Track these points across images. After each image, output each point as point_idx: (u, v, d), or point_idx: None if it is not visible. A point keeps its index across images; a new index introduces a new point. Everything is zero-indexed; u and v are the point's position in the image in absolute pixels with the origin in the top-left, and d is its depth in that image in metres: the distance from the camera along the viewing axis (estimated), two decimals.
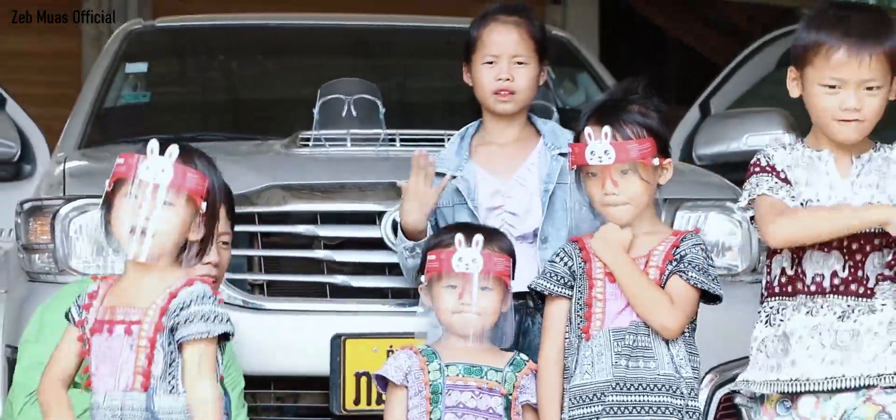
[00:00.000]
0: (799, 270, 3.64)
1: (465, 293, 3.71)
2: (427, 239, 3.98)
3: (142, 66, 6.08)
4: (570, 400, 3.73)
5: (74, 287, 4.02)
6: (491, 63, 4.20)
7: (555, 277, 3.77)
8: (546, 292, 3.79)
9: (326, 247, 4.48)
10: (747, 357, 4.51)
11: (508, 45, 4.20)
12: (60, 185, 4.73)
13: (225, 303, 4.25)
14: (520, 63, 4.20)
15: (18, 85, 11.06)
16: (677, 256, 3.71)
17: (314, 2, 10.31)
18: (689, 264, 3.71)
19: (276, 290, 4.50)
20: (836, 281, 3.62)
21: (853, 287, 3.61)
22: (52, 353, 3.48)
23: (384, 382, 3.78)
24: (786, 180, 3.64)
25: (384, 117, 4.94)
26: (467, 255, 3.69)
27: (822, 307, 3.61)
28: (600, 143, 3.67)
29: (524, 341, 4.05)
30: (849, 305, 3.61)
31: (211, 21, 6.39)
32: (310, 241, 4.49)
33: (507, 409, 3.71)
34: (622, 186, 3.71)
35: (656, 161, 3.73)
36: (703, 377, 4.49)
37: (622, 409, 3.66)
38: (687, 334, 3.74)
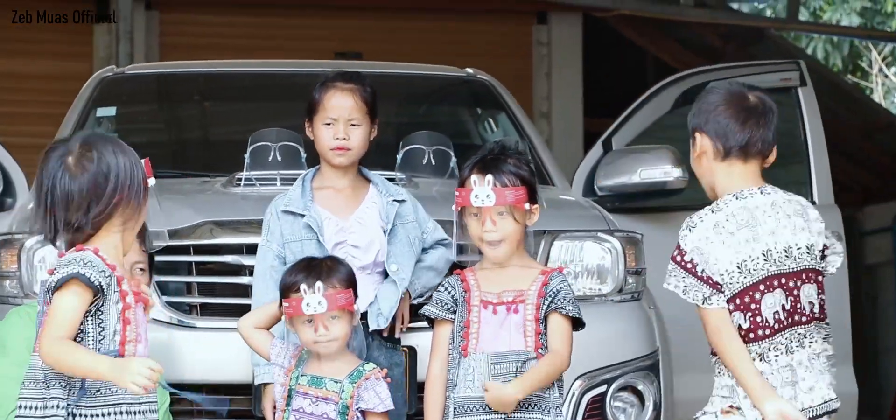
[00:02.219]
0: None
1: (318, 327, 4.37)
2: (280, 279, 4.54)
3: (111, 110, 6.64)
4: (454, 406, 4.41)
5: (23, 309, 4.73)
6: (329, 124, 4.85)
7: (441, 304, 4.49)
8: (434, 317, 4.49)
9: (251, 274, 5.00)
10: (613, 364, 5.24)
11: (345, 109, 4.85)
12: (28, 219, 5.26)
13: (164, 322, 5.01)
14: (354, 125, 4.85)
15: (33, 105, 11.43)
16: (550, 294, 4.41)
17: (302, 49, 10.84)
18: (564, 299, 4.42)
19: (208, 311, 5.10)
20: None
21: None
22: (62, 316, 3.79)
23: None
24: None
25: (306, 161, 5.55)
26: (313, 300, 4.33)
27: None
28: (483, 189, 4.39)
29: (368, 354, 4.72)
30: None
31: (172, 69, 7.02)
32: (237, 269, 5.11)
33: (345, 414, 4.36)
34: (499, 225, 4.42)
35: (528, 206, 4.45)
36: (574, 382, 5.13)
37: None
38: None
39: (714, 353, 4.29)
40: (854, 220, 12.97)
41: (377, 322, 4.79)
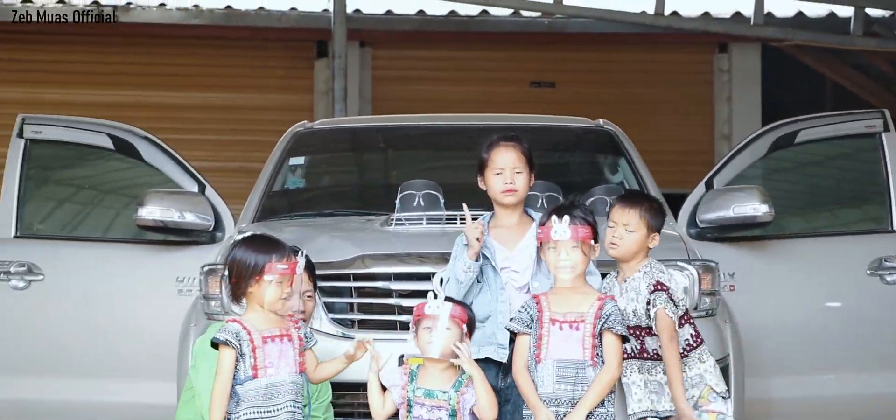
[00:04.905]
0: None
1: (433, 329, 5.53)
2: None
3: (301, 159, 7.91)
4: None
5: (217, 325, 6.00)
6: (499, 173, 6.04)
7: (521, 321, 5.73)
8: (516, 331, 5.74)
9: (398, 296, 6.24)
10: None
11: (510, 160, 6.02)
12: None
13: (332, 334, 6.27)
14: (518, 172, 6.03)
15: (264, 134, 12.37)
16: (604, 316, 5.63)
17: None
18: (615, 321, 5.65)
19: (364, 325, 6.28)
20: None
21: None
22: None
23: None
24: None
25: (444, 205, 6.79)
26: (434, 305, 5.53)
27: None
28: (561, 226, 5.66)
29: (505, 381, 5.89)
30: None
31: (350, 124, 8.29)
32: (387, 293, 6.31)
33: (454, 415, 5.52)
34: (570, 256, 5.67)
35: (593, 242, 5.71)
36: None
37: None
38: None
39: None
40: None
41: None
